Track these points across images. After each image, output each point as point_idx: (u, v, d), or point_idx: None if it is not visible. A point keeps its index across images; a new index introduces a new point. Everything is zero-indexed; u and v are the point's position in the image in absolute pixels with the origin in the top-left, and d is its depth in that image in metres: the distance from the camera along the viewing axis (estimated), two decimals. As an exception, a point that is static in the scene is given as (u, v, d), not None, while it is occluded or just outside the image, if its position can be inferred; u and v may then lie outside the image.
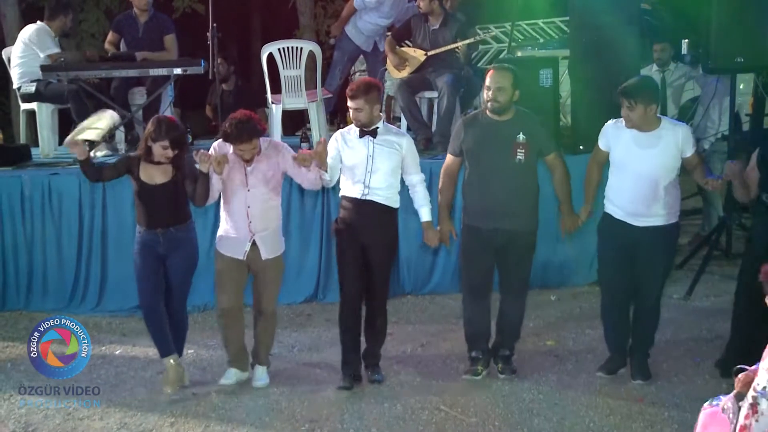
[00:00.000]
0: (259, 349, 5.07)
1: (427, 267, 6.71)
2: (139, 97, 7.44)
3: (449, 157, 5.03)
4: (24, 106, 7.39)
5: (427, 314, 6.33)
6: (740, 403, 3.22)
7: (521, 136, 4.78)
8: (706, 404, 3.44)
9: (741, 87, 7.39)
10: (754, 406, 3.15)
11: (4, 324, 6.21)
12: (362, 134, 4.88)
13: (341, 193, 4.98)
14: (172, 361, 4.90)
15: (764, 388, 3.13)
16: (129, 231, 6.52)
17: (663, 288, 5.01)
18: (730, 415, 3.22)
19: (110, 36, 7.59)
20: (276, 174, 4.89)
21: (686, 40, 8.16)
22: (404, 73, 7.13)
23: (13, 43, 7.62)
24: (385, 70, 7.65)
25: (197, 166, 4.73)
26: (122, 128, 7.43)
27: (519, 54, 8.47)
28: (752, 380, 3.19)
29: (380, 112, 4.99)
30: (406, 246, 6.22)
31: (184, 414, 4.72)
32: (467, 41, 6.91)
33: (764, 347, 3.26)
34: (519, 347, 5.25)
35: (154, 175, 4.82)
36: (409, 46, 7.26)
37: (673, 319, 5.83)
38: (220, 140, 4.86)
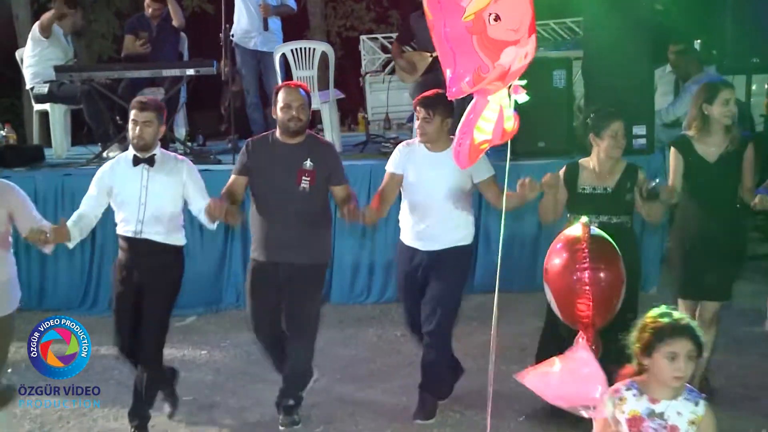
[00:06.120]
0: None
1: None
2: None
3: (232, 177, 4.50)
4: (37, 106, 7.42)
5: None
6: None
7: (308, 163, 4.37)
8: None
9: (754, 88, 7.36)
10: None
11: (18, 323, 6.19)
12: (137, 161, 4.34)
13: (118, 231, 4.43)
14: None
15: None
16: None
17: (457, 312, 4.60)
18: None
19: (127, 40, 7.61)
20: (4, 217, 4.16)
21: (698, 41, 8.14)
22: (415, 77, 7.08)
23: (25, 44, 7.65)
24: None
25: None
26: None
27: (531, 54, 8.43)
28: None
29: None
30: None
31: (197, 414, 4.72)
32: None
33: None
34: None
35: None
36: (414, 49, 7.21)
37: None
38: None
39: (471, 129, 3.17)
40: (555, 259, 3.43)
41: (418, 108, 4.45)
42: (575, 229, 3.43)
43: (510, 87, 3.14)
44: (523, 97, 3.19)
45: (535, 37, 3.10)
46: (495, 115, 3.15)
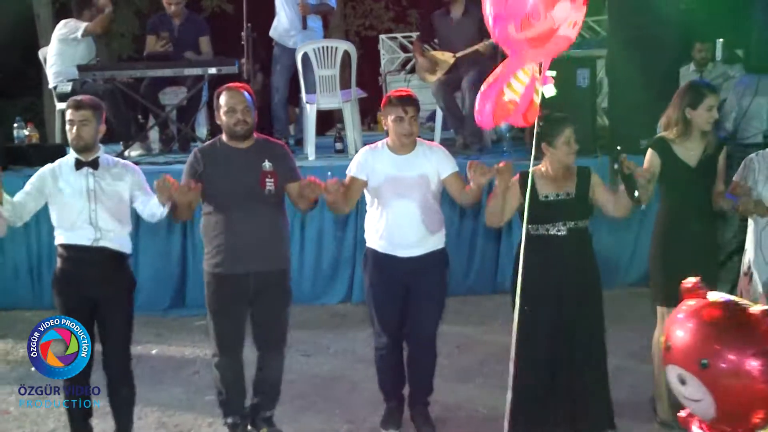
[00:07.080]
0: None
1: (462, 268, 6.66)
2: (172, 97, 7.48)
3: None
4: (59, 105, 7.43)
5: (463, 316, 6.27)
6: None
7: (267, 164, 4.20)
8: None
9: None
10: None
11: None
12: (79, 165, 4.08)
13: (57, 242, 4.16)
14: None
15: None
16: (163, 233, 6.56)
17: (439, 323, 4.47)
18: None
19: (149, 40, 7.61)
20: None
21: (721, 40, 8.07)
22: (436, 76, 7.03)
23: (47, 43, 7.69)
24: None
25: None
26: (156, 128, 7.49)
27: (554, 53, 8.39)
28: None
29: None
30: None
31: (218, 414, 4.70)
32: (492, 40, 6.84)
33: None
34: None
35: None
36: (436, 48, 7.17)
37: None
38: None
39: (501, 86, 3.07)
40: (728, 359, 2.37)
41: (405, 108, 4.22)
42: (724, 305, 2.56)
43: (540, 68, 3.07)
44: (550, 90, 3.12)
45: (584, 14, 3.06)
46: (528, 78, 3.06)
